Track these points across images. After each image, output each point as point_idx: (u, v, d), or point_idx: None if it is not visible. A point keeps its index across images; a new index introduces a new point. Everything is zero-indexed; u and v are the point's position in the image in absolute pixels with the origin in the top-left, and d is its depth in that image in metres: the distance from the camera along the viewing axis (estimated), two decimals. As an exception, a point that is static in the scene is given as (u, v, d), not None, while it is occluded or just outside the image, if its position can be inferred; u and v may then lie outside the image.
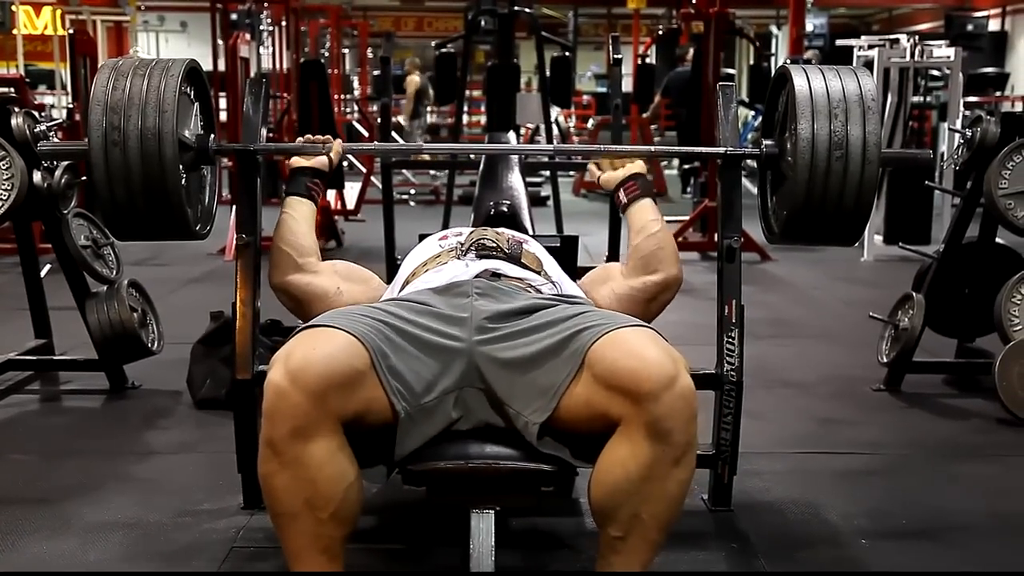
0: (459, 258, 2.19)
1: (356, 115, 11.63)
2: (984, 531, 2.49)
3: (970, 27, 12.42)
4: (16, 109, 3.43)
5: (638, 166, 2.44)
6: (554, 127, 7.31)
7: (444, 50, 5.54)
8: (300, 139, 2.45)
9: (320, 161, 2.40)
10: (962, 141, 3.59)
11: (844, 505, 2.60)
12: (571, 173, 10.78)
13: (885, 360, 3.70)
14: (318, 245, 2.37)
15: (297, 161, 2.41)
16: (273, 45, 8.64)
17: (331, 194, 7.67)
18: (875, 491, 2.73)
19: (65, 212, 3.44)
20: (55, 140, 3.58)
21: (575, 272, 2.58)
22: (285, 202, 2.38)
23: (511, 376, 1.85)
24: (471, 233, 2.31)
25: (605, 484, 1.76)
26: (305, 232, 2.33)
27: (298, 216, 2.34)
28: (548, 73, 5.48)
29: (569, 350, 1.82)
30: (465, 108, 6.30)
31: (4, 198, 3.27)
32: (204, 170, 2.47)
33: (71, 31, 7.63)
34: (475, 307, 1.93)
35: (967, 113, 6.76)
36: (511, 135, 4.99)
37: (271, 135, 7.10)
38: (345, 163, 9.04)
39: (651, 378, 1.70)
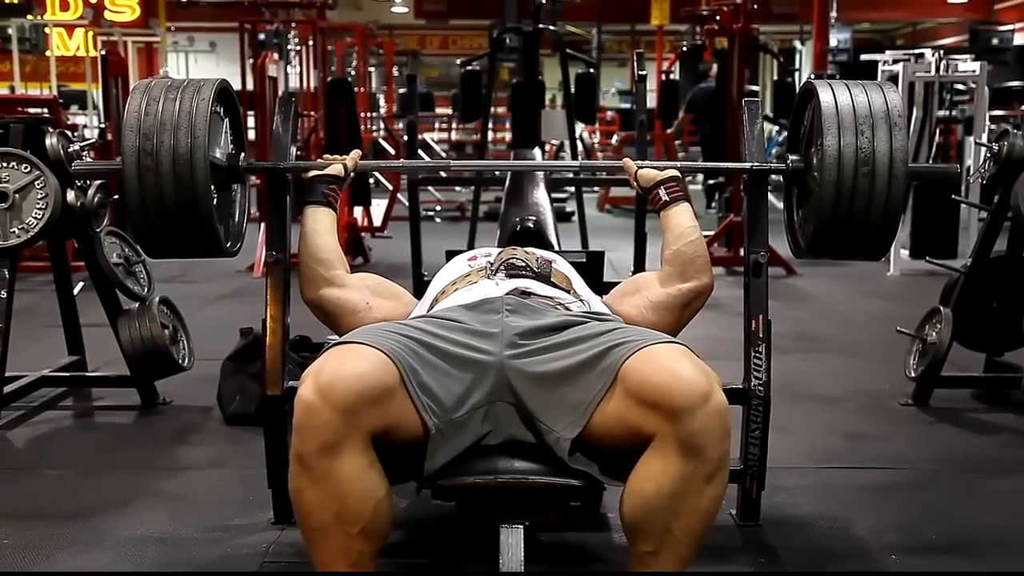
0: (489, 277, 2.20)
1: (383, 133, 11.69)
2: (1015, 546, 2.47)
3: (995, 41, 12.32)
4: (50, 129, 3.48)
5: (675, 170, 2.43)
6: (578, 143, 7.32)
7: (469, 68, 5.57)
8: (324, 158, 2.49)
9: (336, 168, 2.41)
10: (989, 155, 3.58)
11: (873, 520, 2.59)
12: (596, 189, 10.79)
13: (913, 375, 3.68)
14: (342, 253, 2.39)
15: (314, 171, 2.44)
16: (300, 64, 8.71)
17: (358, 211, 7.71)
18: (904, 506, 2.72)
19: (98, 230, 3.48)
20: (88, 160, 3.63)
21: (601, 287, 2.59)
22: (305, 212, 2.38)
23: (542, 391, 1.86)
24: (500, 252, 2.33)
25: (637, 499, 1.77)
26: (329, 244, 2.33)
27: (320, 228, 2.35)
28: (572, 90, 5.51)
29: (601, 366, 1.84)
30: (490, 125, 6.32)
31: (38, 217, 3.31)
32: (234, 188, 2.50)
33: (103, 52, 7.74)
34: (506, 323, 1.95)
35: (993, 127, 6.72)
36: (536, 151, 5.02)
37: (299, 153, 7.16)
38: (372, 180, 9.10)
39: (685, 394, 1.71)
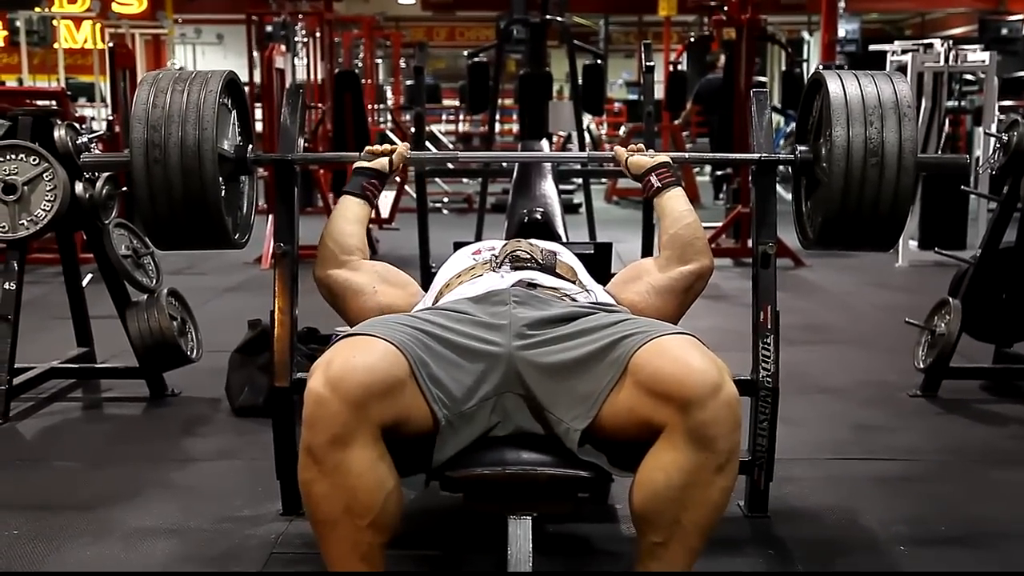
0: (494, 270, 2.20)
1: (390, 124, 11.69)
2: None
3: (1004, 31, 12.26)
4: (58, 121, 3.49)
5: (666, 155, 2.43)
6: (586, 134, 7.31)
7: (477, 59, 5.57)
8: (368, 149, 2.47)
9: (380, 163, 2.41)
10: (998, 145, 3.57)
11: (882, 512, 2.59)
12: (603, 180, 10.77)
13: (922, 366, 3.68)
14: (366, 244, 2.39)
15: (359, 162, 2.44)
16: (308, 56, 8.71)
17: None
18: (913, 497, 2.72)
19: (106, 222, 3.49)
20: (96, 152, 3.64)
21: (608, 279, 2.59)
22: (340, 199, 2.42)
23: (552, 382, 1.86)
24: (505, 245, 2.33)
25: (647, 490, 1.77)
26: (352, 231, 2.35)
27: (349, 215, 2.37)
28: (580, 81, 5.50)
29: (611, 357, 1.84)
30: (497, 116, 6.33)
31: (47, 209, 3.33)
32: (242, 180, 2.51)
33: (110, 44, 7.75)
34: (514, 314, 1.95)
35: (1002, 117, 6.70)
36: (543, 143, 5.01)
37: (307, 145, 7.16)
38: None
39: (696, 385, 1.71)
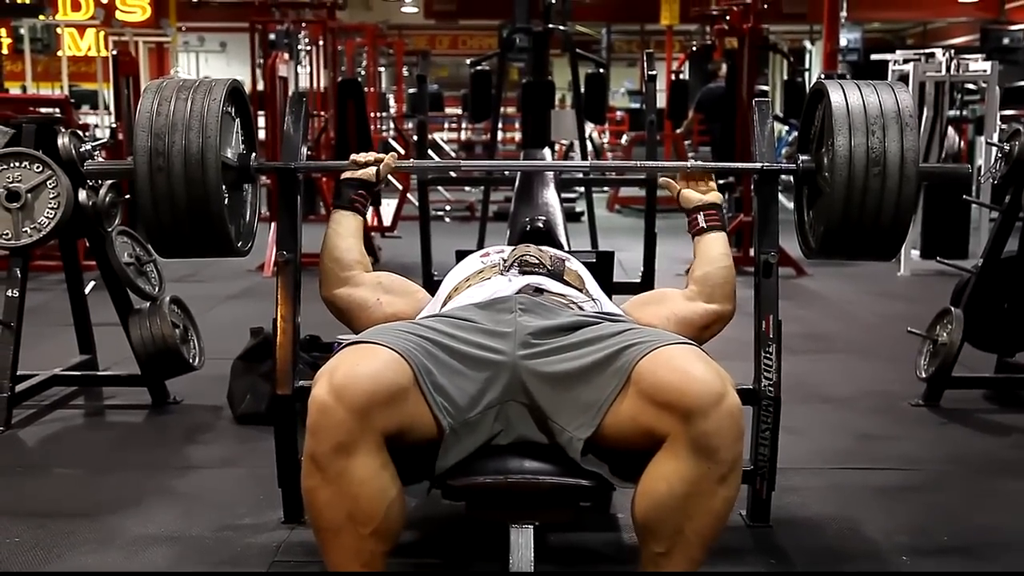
0: (502, 274, 2.20)
1: (393, 132, 11.70)
2: (1026, 548, 2.47)
3: (1006, 40, 12.26)
4: (62, 129, 3.50)
5: (719, 196, 2.42)
6: (588, 143, 7.32)
7: (479, 68, 5.57)
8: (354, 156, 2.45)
9: (367, 173, 2.40)
10: (1000, 155, 3.57)
11: (883, 521, 2.59)
12: (605, 189, 10.78)
13: (924, 375, 3.67)
14: (366, 255, 2.39)
15: (345, 173, 2.43)
16: (311, 64, 8.73)
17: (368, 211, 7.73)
18: (915, 507, 2.72)
19: (109, 230, 3.50)
20: (100, 159, 3.65)
21: (611, 288, 2.59)
22: (332, 216, 2.40)
23: (555, 391, 1.87)
24: (514, 250, 2.33)
25: (649, 499, 1.77)
26: (348, 246, 2.35)
27: (342, 231, 2.36)
28: (582, 90, 5.50)
29: (615, 366, 1.84)
30: (500, 125, 6.34)
31: (50, 216, 3.33)
32: (245, 188, 2.51)
33: (114, 52, 7.78)
34: (519, 322, 1.95)
35: (1004, 127, 6.70)
36: (546, 151, 5.01)
37: (310, 153, 7.16)
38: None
39: (699, 395, 1.71)
